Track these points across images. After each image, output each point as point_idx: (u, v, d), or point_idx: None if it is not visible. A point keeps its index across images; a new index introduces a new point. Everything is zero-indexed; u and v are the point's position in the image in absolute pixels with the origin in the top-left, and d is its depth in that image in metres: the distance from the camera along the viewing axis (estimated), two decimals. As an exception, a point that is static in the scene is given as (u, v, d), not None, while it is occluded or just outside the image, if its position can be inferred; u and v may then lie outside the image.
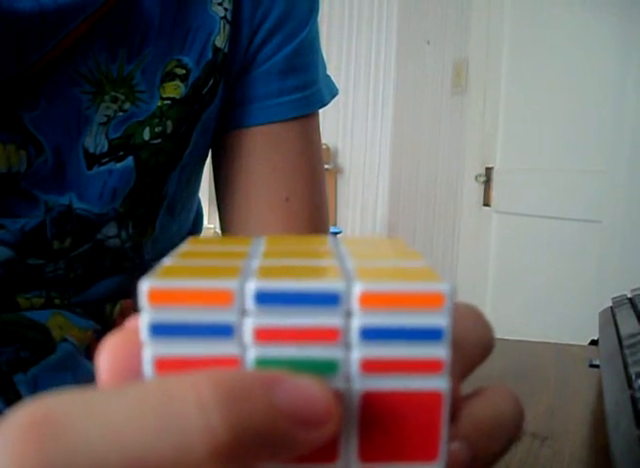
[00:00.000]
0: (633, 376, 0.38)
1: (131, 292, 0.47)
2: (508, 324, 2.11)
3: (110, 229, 0.43)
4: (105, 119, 0.41)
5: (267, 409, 0.12)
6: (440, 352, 0.14)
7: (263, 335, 0.14)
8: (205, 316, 0.14)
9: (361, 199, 3.02)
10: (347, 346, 0.14)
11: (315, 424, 0.13)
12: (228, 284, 0.14)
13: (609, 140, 1.88)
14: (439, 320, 0.14)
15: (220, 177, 0.51)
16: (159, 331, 0.14)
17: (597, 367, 0.52)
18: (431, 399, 0.14)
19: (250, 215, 0.49)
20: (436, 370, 0.14)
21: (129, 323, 0.15)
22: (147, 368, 0.14)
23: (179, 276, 0.14)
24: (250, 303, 0.14)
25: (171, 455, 0.12)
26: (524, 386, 0.51)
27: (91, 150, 0.41)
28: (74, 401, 0.12)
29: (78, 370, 0.43)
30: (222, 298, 0.14)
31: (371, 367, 0.14)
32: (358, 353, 0.14)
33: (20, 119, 0.38)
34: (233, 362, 0.14)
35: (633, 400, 0.35)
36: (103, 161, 0.41)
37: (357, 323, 0.14)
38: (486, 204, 2.36)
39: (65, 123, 0.40)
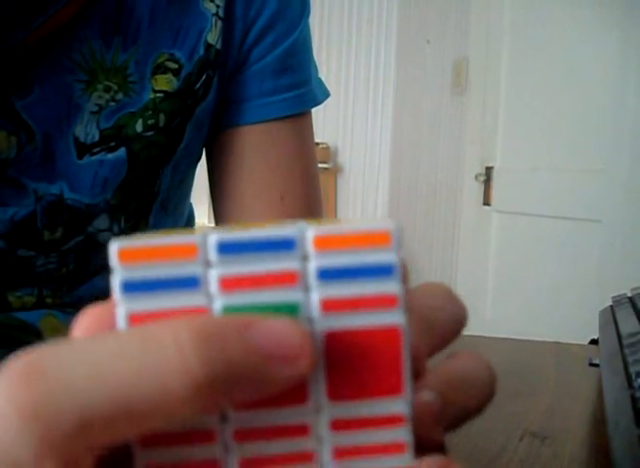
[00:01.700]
0: (633, 376, 0.38)
1: None
2: (508, 323, 2.10)
3: (102, 222, 0.43)
4: (97, 108, 0.41)
5: (241, 347, 0.13)
6: (393, 287, 0.15)
7: (228, 284, 0.15)
8: (172, 270, 0.14)
9: (361, 199, 3.02)
10: (307, 289, 0.15)
11: (289, 359, 0.13)
12: (191, 238, 0.15)
13: (609, 140, 1.88)
14: (389, 256, 0.15)
15: (215, 176, 0.51)
16: (130, 288, 0.14)
17: (597, 366, 0.52)
18: (390, 334, 0.15)
19: (244, 214, 0.49)
20: (391, 304, 0.15)
21: (106, 301, 0.16)
22: (121, 324, 0.15)
23: (142, 238, 0.15)
24: (213, 254, 0.14)
25: (152, 395, 0.13)
26: (524, 386, 0.51)
27: (81, 139, 0.41)
28: (61, 348, 0.13)
29: None
30: (187, 252, 0.14)
31: (330, 306, 0.15)
32: (317, 294, 0.15)
33: (12, 105, 0.38)
34: (202, 312, 0.15)
35: (633, 399, 0.35)
36: (94, 151, 0.41)
37: (313, 265, 0.15)
38: (486, 203, 2.36)
39: (57, 111, 0.40)
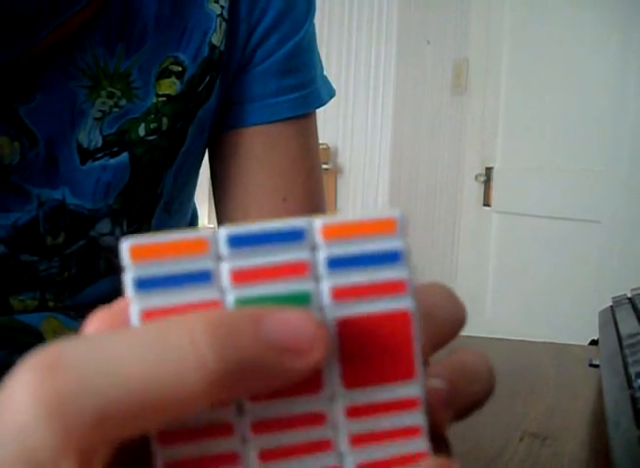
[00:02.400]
0: (633, 376, 0.38)
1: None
2: (508, 324, 2.11)
3: (104, 226, 0.43)
4: (100, 114, 0.41)
5: (255, 340, 0.13)
6: (401, 273, 0.15)
7: (239, 277, 0.15)
8: (183, 265, 0.15)
9: (361, 199, 3.02)
10: (317, 278, 0.15)
11: (303, 351, 0.14)
12: (202, 233, 0.15)
13: (609, 140, 1.88)
14: (395, 243, 0.15)
15: (218, 177, 0.51)
16: (143, 285, 0.15)
17: (597, 366, 0.52)
18: (401, 318, 0.15)
19: (247, 215, 0.49)
20: (400, 290, 0.15)
21: (115, 303, 0.16)
22: (135, 321, 0.15)
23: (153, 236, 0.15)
24: (223, 248, 0.15)
25: (168, 389, 0.13)
26: (524, 386, 0.51)
27: (84, 145, 0.41)
28: (79, 342, 0.14)
29: None
30: (198, 247, 0.15)
31: (341, 294, 0.15)
32: (327, 283, 0.15)
33: (16, 111, 0.38)
34: (215, 306, 0.15)
35: (633, 400, 0.35)
36: (97, 156, 0.41)
37: (322, 254, 0.15)
38: (486, 204, 2.36)
39: (60, 117, 0.40)
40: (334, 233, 0.15)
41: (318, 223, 0.15)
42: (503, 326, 2.05)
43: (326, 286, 0.15)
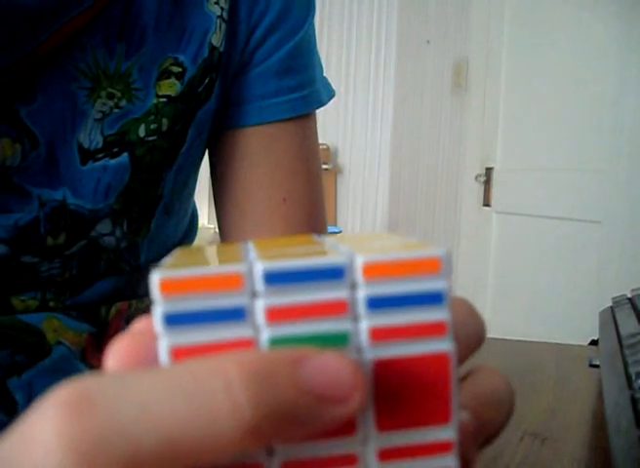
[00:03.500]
0: (633, 376, 0.38)
1: (126, 295, 0.47)
2: (508, 324, 2.11)
3: (104, 226, 0.43)
4: (101, 115, 0.41)
5: (293, 388, 0.13)
6: (443, 315, 0.15)
7: (275, 315, 0.14)
8: (216, 301, 0.14)
9: (361, 199, 3.02)
10: (355, 318, 0.14)
11: (341, 399, 0.13)
12: (237, 268, 0.14)
13: (608, 140, 1.88)
14: (438, 284, 0.15)
15: (218, 178, 0.51)
16: (173, 320, 0.14)
17: (597, 366, 0.52)
18: (439, 361, 0.15)
19: (247, 216, 0.49)
20: (440, 332, 0.15)
21: (134, 325, 0.16)
22: (164, 358, 0.14)
23: (185, 267, 0.14)
24: (259, 285, 0.14)
25: (200, 435, 0.12)
26: (524, 386, 0.51)
27: (85, 146, 0.41)
28: (108, 380, 0.13)
29: (73, 374, 0.43)
30: (232, 282, 0.14)
31: (379, 335, 0.14)
32: (366, 323, 0.14)
33: (17, 113, 0.38)
34: (248, 344, 0.14)
35: (633, 400, 0.35)
36: (98, 157, 0.41)
37: (362, 294, 0.14)
38: (486, 204, 2.36)
39: (61, 118, 0.40)
40: (375, 272, 0.14)
41: (359, 261, 0.14)
42: (503, 326, 2.05)
43: (365, 326, 0.14)
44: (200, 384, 0.13)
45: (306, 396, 0.13)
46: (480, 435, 0.16)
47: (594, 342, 0.62)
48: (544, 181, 2.10)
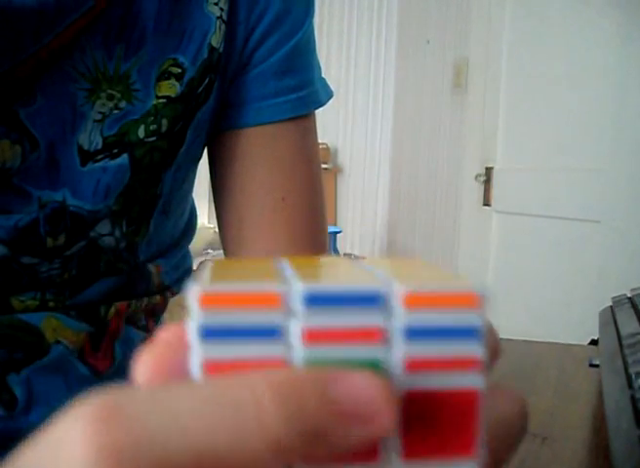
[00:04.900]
0: (633, 376, 0.38)
1: (125, 294, 0.47)
2: (508, 324, 2.10)
3: (104, 227, 0.43)
4: (100, 116, 0.41)
5: (321, 407, 0.13)
6: (477, 350, 0.15)
7: (310, 336, 0.14)
8: (253, 318, 0.14)
9: (361, 199, 3.02)
10: (390, 346, 0.15)
11: (369, 421, 0.13)
12: (276, 287, 0.14)
13: (609, 140, 1.88)
14: (474, 319, 0.15)
15: (217, 178, 0.51)
16: (208, 334, 0.14)
17: (597, 366, 0.52)
18: (469, 396, 0.15)
19: (246, 216, 0.49)
20: (474, 367, 0.15)
21: (160, 335, 0.16)
22: (196, 371, 0.14)
23: (223, 281, 0.14)
24: (298, 305, 0.14)
25: (229, 449, 0.13)
26: (524, 386, 0.51)
27: (85, 147, 0.41)
28: (139, 394, 0.13)
29: (71, 373, 0.43)
30: (270, 300, 0.14)
31: (412, 365, 0.15)
32: (400, 352, 0.15)
33: (17, 115, 0.38)
34: (280, 363, 0.14)
35: (633, 400, 0.35)
36: (98, 158, 0.41)
37: (400, 323, 0.15)
38: (486, 204, 2.36)
39: (61, 119, 0.40)
40: (414, 302, 0.15)
41: (399, 290, 0.14)
42: (504, 326, 2.04)
43: (399, 355, 0.15)
44: (230, 398, 0.13)
45: (335, 415, 0.13)
46: (494, 460, 0.16)
47: (594, 342, 0.62)
48: (544, 181, 2.10)
